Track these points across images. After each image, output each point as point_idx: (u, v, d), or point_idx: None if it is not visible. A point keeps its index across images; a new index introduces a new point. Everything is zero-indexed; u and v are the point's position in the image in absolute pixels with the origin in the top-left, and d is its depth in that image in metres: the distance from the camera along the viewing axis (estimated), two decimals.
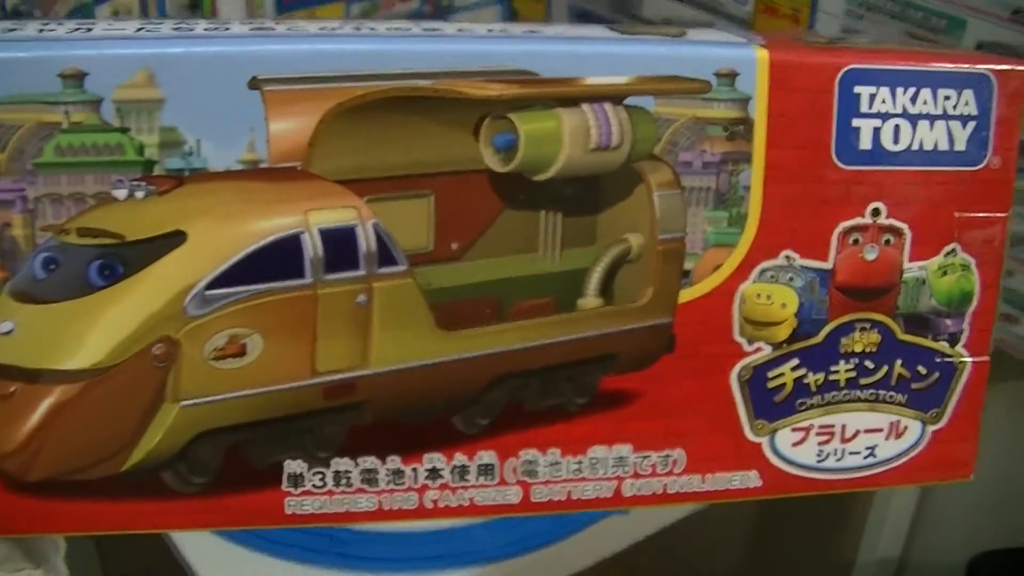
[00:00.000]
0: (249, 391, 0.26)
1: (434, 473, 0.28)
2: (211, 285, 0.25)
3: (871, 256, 0.29)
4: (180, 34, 0.25)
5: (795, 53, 0.28)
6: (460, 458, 0.28)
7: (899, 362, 0.30)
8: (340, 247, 0.26)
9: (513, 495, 0.28)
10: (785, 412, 0.29)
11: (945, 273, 0.29)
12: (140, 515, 0.27)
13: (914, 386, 0.30)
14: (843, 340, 0.29)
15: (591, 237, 0.28)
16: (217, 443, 0.26)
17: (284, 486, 0.27)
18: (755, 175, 0.28)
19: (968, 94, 0.28)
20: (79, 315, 0.25)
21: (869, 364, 0.29)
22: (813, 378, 0.29)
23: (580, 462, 0.28)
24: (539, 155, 0.26)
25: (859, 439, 0.30)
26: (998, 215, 0.29)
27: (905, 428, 0.30)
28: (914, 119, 0.28)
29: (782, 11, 0.76)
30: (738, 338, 0.28)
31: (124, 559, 0.82)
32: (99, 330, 0.25)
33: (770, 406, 0.29)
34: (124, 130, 0.25)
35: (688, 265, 0.28)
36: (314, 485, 0.27)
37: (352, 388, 0.27)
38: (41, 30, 0.25)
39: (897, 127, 0.28)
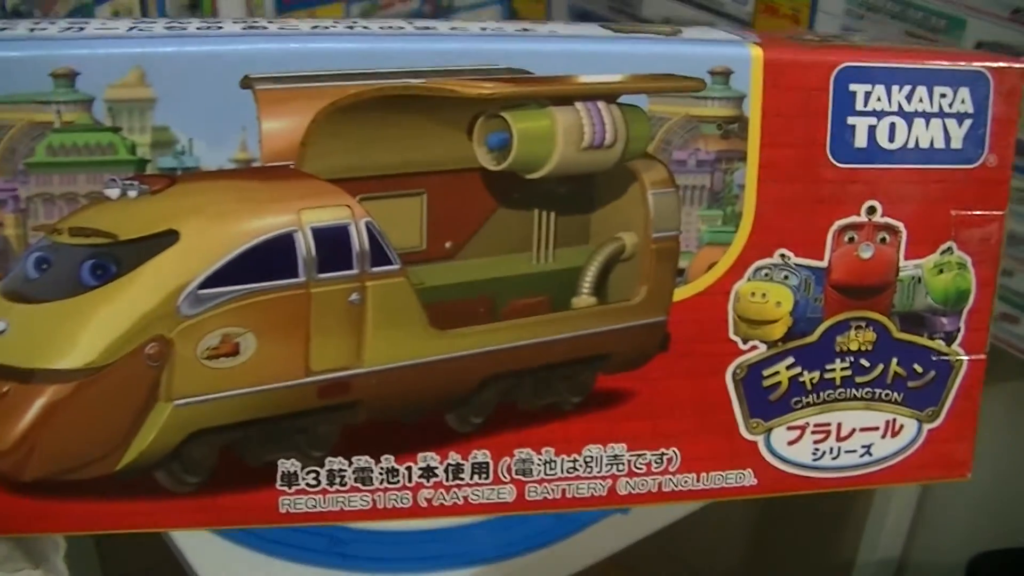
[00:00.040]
0: (242, 390, 0.26)
1: (428, 472, 0.28)
2: (204, 284, 0.25)
3: (867, 254, 0.28)
4: (172, 33, 0.25)
5: (789, 51, 0.28)
6: (454, 457, 0.28)
7: (895, 360, 0.29)
8: (333, 246, 0.26)
9: (507, 494, 0.28)
10: (780, 411, 0.29)
11: (941, 271, 0.29)
12: (134, 514, 0.27)
13: (910, 385, 0.30)
14: (838, 338, 0.29)
15: (585, 236, 0.28)
16: (211, 442, 0.26)
17: (278, 485, 0.27)
18: (749, 173, 0.27)
19: (964, 92, 0.28)
20: (72, 315, 0.25)
21: (865, 362, 0.29)
22: (808, 376, 0.29)
23: (575, 461, 0.28)
24: (532, 154, 0.26)
25: (855, 438, 0.30)
26: (995, 213, 0.29)
27: (901, 427, 0.30)
28: (910, 117, 0.28)
29: (782, 11, 0.76)
30: (733, 337, 0.28)
31: (124, 559, 0.82)
32: (92, 330, 0.25)
33: (765, 405, 0.29)
34: (116, 129, 0.25)
35: (682, 264, 0.28)
36: (308, 484, 0.27)
37: (346, 387, 0.27)
38: (32, 29, 0.25)
39: (893, 125, 0.28)
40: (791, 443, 0.29)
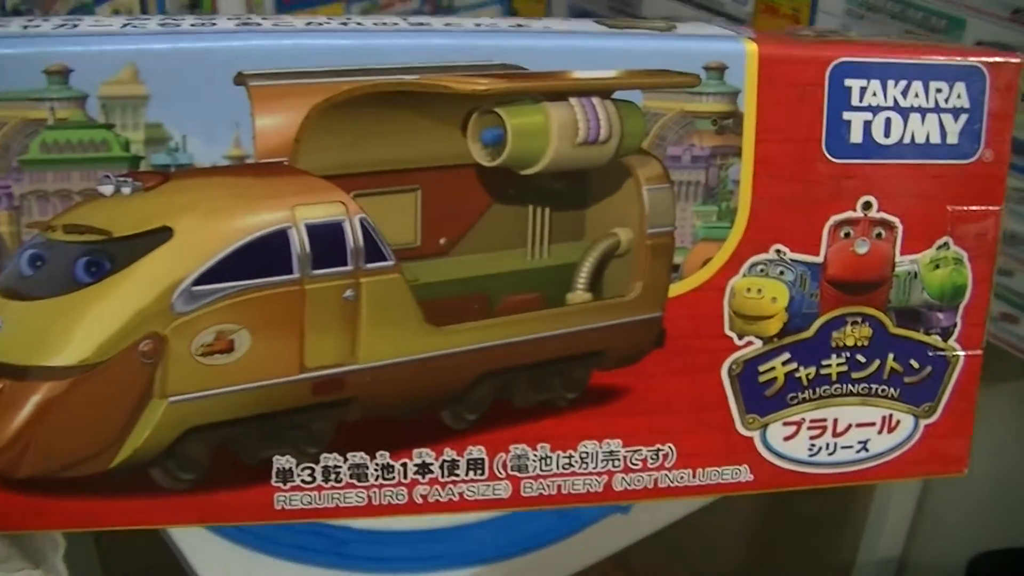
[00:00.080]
0: (237, 387, 0.26)
1: (423, 468, 0.28)
2: (198, 281, 0.25)
3: (862, 250, 0.28)
4: (166, 30, 0.25)
5: (784, 46, 0.28)
6: (449, 453, 0.28)
7: (891, 356, 0.29)
8: (327, 242, 0.26)
9: (503, 490, 0.28)
10: (776, 406, 0.29)
11: (937, 267, 0.29)
12: (129, 512, 0.27)
13: (907, 380, 0.30)
14: (834, 334, 0.29)
15: (579, 232, 0.28)
16: (205, 439, 0.26)
17: (273, 482, 0.27)
18: (745, 169, 0.27)
19: (960, 87, 0.28)
20: (66, 312, 0.25)
21: (861, 358, 0.29)
22: (804, 372, 0.29)
23: (570, 457, 0.28)
24: (527, 150, 0.26)
25: (851, 433, 0.30)
26: (991, 208, 0.29)
27: (898, 422, 0.30)
28: (905, 112, 0.28)
29: (782, 11, 0.76)
30: (728, 332, 0.28)
31: (124, 559, 0.82)
32: (86, 327, 0.25)
33: (761, 400, 0.29)
34: (110, 126, 0.25)
35: (677, 259, 0.28)
36: (303, 481, 0.27)
37: (340, 384, 0.26)
38: (26, 26, 0.25)
39: (888, 120, 0.28)
40: (787, 439, 0.29)
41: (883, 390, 0.30)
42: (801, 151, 0.28)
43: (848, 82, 0.28)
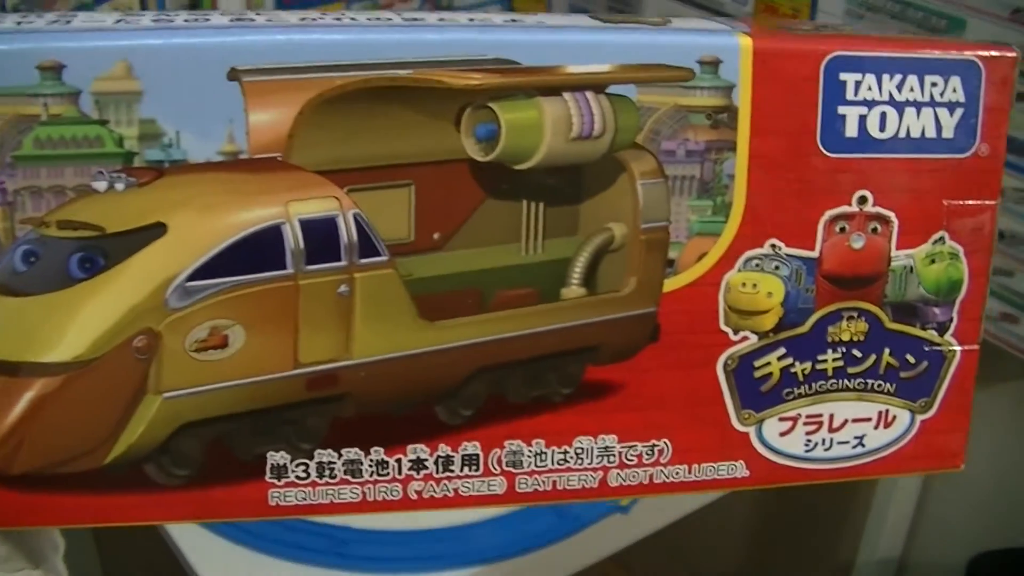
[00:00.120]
0: (231, 383, 0.26)
1: (418, 464, 0.28)
2: (192, 277, 0.25)
3: (858, 244, 0.28)
4: (159, 26, 0.25)
5: (779, 40, 0.28)
6: (444, 449, 0.28)
7: (887, 351, 0.29)
8: (321, 238, 0.26)
9: (498, 486, 0.28)
10: (772, 402, 0.29)
11: (933, 261, 0.29)
12: (123, 508, 0.26)
13: (903, 375, 0.30)
14: (830, 329, 0.29)
15: (573, 227, 0.28)
16: (200, 435, 0.26)
17: (267, 478, 0.27)
18: (739, 163, 0.27)
19: (955, 81, 0.28)
20: (60, 308, 0.25)
21: (857, 353, 0.29)
22: (800, 367, 0.29)
23: (565, 452, 0.28)
24: (520, 144, 0.26)
25: (847, 428, 0.30)
26: (987, 203, 0.29)
27: (894, 418, 0.30)
28: (901, 106, 0.28)
29: (782, 11, 0.76)
30: (724, 327, 0.28)
31: (124, 559, 0.82)
32: (80, 323, 0.25)
33: (757, 396, 0.29)
34: (103, 122, 0.25)
35: (672, 254, 0.28)
36: (297, 477, 0.27)
37: (334, 379, 0.26)
38: (20, 23, 0.25)
39: (883, 114, 0.28)
40: (783, 434, 0.29)
41: (879, 385, 0.30)
42: (796, 145, 0.28)
43: (843, 76, 0.27)
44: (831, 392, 0.29)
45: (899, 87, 0.28)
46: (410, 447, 0.27)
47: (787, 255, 0.28)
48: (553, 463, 0.28)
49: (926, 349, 0.30)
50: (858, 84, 0.28)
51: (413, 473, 0.28)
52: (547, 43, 0.26)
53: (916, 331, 0.29)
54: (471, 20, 0.27)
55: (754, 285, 0.28)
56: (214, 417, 0.26)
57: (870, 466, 0.30)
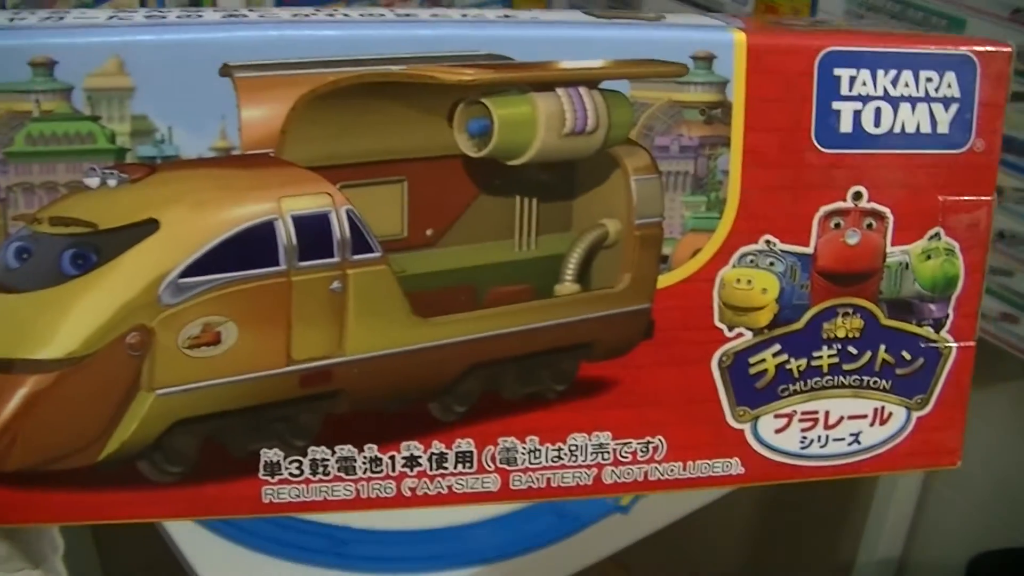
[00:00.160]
0: (224, 379, 0.26)
1: (412, 461, 0.27)
2: (185, 273, 0.25)
3: (853, 240, 0.28)
4: (151, 22, 0.25)
5: (773, 36, 0.28)
6: (438, 446, 0.27)
7: (883, 348, 0.29)
8: (313, 234, 0.26)
9: (492, 483, 0.28)
10: (767, 398, 0.29)
11: (929, 257, 0.29)
12: (117, 505, 0.26)
13: (898, 372, 0.29)
14: (825, 325, 0.29)
15: (567, 223, 0.28)
16: (193, 432, 0.26)
17: (261, 475, 0.27)
18: (733, 159, 0.27)
19: (950, 76, 0.28)
20: (52, 304, 0.25)
21: (852, 350, 0.29)
22: (795, 364, 0.29)
23: (559, 449, 0.28)
24: (514, 140, 0.26)
25: (843, 425, 0.30)
26: (983, 198, 0.29)
27: (890, 414, 0.30)
28: (895, 102, 0.28)
29: (782, 11, 0.76)
30: (718, 324, 0.28)
31: (124, 559, 0.82)
32: (73, 319, 0.25)
33: (752, 392, 0.29)
34: (95, 118, 0.25)
35: (666, 250, 0.28)
36: (291, 474, 0.27)
37: (328, 376, 0.26)
38: (12, 19, 0.25)
39: (878, 110, 0.28)
40: (778, 431, 0.29)
41: (875, 382, 0.29)
42: (790, 141, 0.27)
43: (837, 71, 0.27)
44: (826, 389, 0.29)
45: (894, 82, 0.28)
46: (404, 444, 0.27)
47: (782, 251, 0.28)
48: (547, 460, 0.28)
49: (922, 346, 0.29)
50: (853, 79, 0.28)
51: (407, 470, 0.27)
52: (540, 39, 0.26)
53: (912, 328, 0.29)
54: (464, 16, 0.27)
55: (748, 281, 0.28)
56: (207, 414, 0.26)
57: (866, 463, 0.30)
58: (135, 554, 0.75)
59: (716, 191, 0.27)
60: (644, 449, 0.29)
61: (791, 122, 0.27)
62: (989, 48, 0.28)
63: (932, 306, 0.29)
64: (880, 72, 0.28)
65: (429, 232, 0.27)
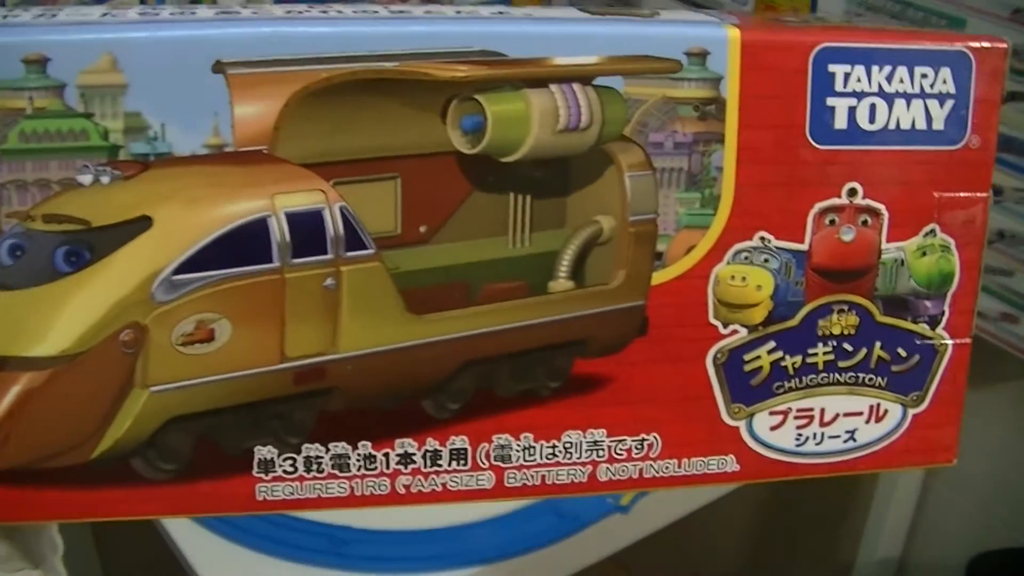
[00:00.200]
0: (218, 377, 0.26)
1: (406, 458, 0.27)
2: (178, 270, 0.25)
3: (848, 237, 0.28)
4: (144, 19, 0.25)
5: (767, 32, 0.28)
6: (432, 443, 0.27)
7: (878, 345, 0.29)
8: (307, 231, 0.26)
9: (486, 480, 0.28)
10: (762, 396, 0.29)
11: (924, 254, 0.29)
12: (110, 502, 0.26)
13: (894, 369, 0.29)
14: (820, 322, 0.29)
15: (561, 219, 0.28)
16: (187, 429, 0.26)
17: (255, 472, 0.27)
18: (728, 155, 0.27)
19: (946, 72, 0.28)
20: (46, 301, 0.25)
21: (848, 347, 0.29)
22: (790, 361, 0.29)
23: (554, 447, 0.28)
24: (507, 137, 0.26)
25: (838, 423, 0.29)
26: (978, 195, 0.29)
27: (886, 412, 0.30)
28: (890, 98, 0.28)
29: (781, 10, 0.76)
30: (713, 321, 0.28)
31: (124, 559, 0.82)
32: (66, 316, 0.25)
33: (747, 389, 0.29)
34: (88, 115, 0.25)
35: (660, 247, 0.28)
36: (285, 471, 0.27)
37: (322, 373, 0.26)
38: (5, 16, 0.25)
39: (873, 106, 0.28)
40: (774, 428, 0.29)
41: (870, 379, 0.29)
42: (785, 137, 0.27)
43: (832, 67, 0.27)
44: (822, 386, 0.29)
45: (889, 78, 0.28)
46: (398, 441, 0.27)
47: (776, 248, 0.28)
48: (542, 457, 0.28)
49: (917, 343, 0.29)
50: (847, 75, 0.27)
51: (401, 467, 0.27)
52: (534, 35, 0.26)
53: (907, 324, 0.29)
54: (458, 12, 0.27)
55: (743, 278, 0.28)
56: (201, 411, 0.26)
57: (862, 460, 0.30)
58: (135, 554, 0.75)
59: (710, 188, 0.27)
60: (639, 446, 0.28)
61: (785, 118, 0.27)
62: (985, 44, 0.28)
63: (928, 303, 0.29)
64: (875, 68, 0.28)
65: (423, 229, 0.27)
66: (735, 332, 0.28)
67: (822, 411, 0.29)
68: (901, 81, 0.28)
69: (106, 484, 0.26)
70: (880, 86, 0.28)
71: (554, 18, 0.27)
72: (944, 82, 0.28)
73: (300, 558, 0.61)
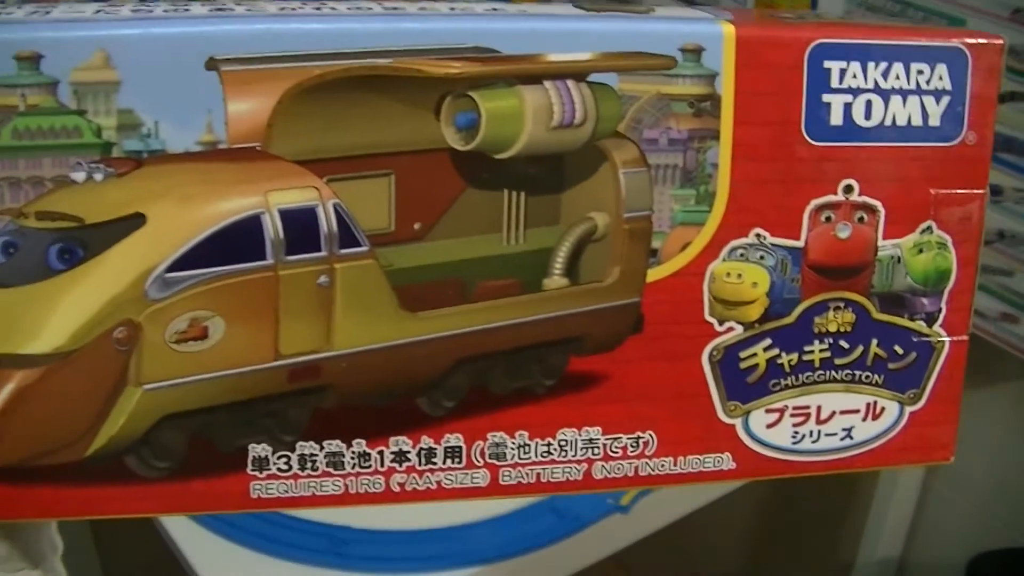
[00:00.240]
0: (212, 374, 0.26)
1: (400, 456, 0.27)
2: (172, 268, 0.25)
3: (844, 234, 0.28)
4: (137, 16, 0.25)
5: (762, 28, 0.28)
6: (427, 441, 0.27)
7: (875, 342, 0.29)
8: (301, 228, 0.26)
9: (481, 478, 0.28)
10: (758, 393, 0.29)
11: (921, 251, 0.29)
12: (104, 500, 0.26)
13: (891, 366, 0.29)
14: (817, 320, 0.29)
15: (555, 216, 0.28)
16: (181, 427, 0.26)
17: (249, 470, 0.27)
18: (723, 152, 0.27)
19: (942, 68, 0.28)
20: (39, 299, 0.25)
21: (844, 344, 0.29)
22: (787, 358, 0.29)
23: (549, 444, 0.28)
24: (501, 134, 0.26)
25: (835, 420, 0.29)
26: (975, 192, 0.29)
27: (882, 409, 0.30)
28: (886, 94, 0.28)
29: (781, 10, 0.76)
30: (708, 318, 0.28)
31: (124, 559, 0.82)
32: (60, 314, 0.25)
33: (743, 387, 0.29)
34: (81, 112, 0.25)
35: (655, 244, 0.27)
36: (279, 469, 0.27)
37: (316, 371, 0.26)
38: None
39: (869, 102, 0.28)
40: (770, 426, 0.29)
41: (867, 376, 0.29)
42: (780, 134, 0.27)
43: (828, 64, 0.27)
44: (818, 384, 0.29)
45: (884, 75, 0.28)
46: (392, 439, 0.27)
47: (772, 245, 0.28)
48: (537, 455, 0.28)
49: (914, 340, 0.29)
50: (843, 72, 0.27)
51: (395, 465, 0.27)
52: (528, 31, 0.26)
53: (904, 322, 0.29)
54: (452, 9, 0.27)
55: (739, 275, 0.28)
56: (195, 409, 0.26)
57: (859, 458, 0.30)
58: (135, 554, 0.75)
59: (705, 184, 0.27)
60: (634, 444, 0.28)
61: (781, 115, 0.27)
62: (981, 40, 0.28)
63: (924, 300, 0.29)
64: (871, 64, 0.28)
65: (417, 226, 0.27)
66: (731, 329, 0.28)
67: (818, 409, 0.29)
68: (897, 77, 0.28)
69: (100, 482, 0.26)
70: (876, 82, 0.28)
71: (548, 14, 0.27)
72: (940, 78, 0.28)
73: (300, 558, 0.61)
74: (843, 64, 0.27)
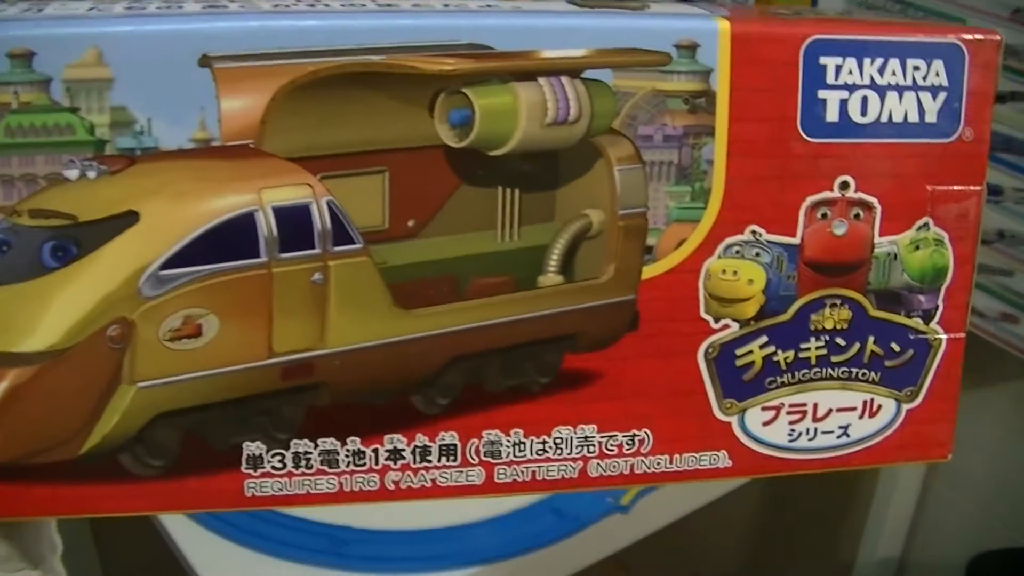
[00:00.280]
0: (206, 372, 0.26)
1: (395, 454, 0.27)
2: (165, 265, 0.25)
3: (840, 231, 0.28)
4: (131, 13, 0.25)
5: (758, 24, 0.27)
6: (421, 439, 0.27)
7: (872, 339, 0.29)
8: (294, 225, 0.26)
9: (476, 476, 0.28)
10: (754, 391, 0.29)
11: (917, 248, 0.29)
12: (98, 499, 0.26)
13: (888, 364, 0.29)
14: (813, 317, 0.28)
15: (550, 213, 0.28)
16: (175, 425, 0.26)
17: (243, 468, 0.27)
18: (718, 149, 0.27)
19: (938, 64, 0.28)
20: (33, 297, 0.25)
21: (840, 341, 0.29)
22: (783, 356, 0.29)
23: (544, 442, 0.28)
24: (495, 130, 0.26)
25: (832, 418, 0.29)
26: (972, 188, 0.29)
27: (879, 407, 0.29)
28: (882, 90, 0.28)
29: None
30: (704, 315, 0.28)
31: (124, 559, 0.82)
32: (53, 312, 0.25)
33: (739, 384, 0.28)
34: (74, 110, 0.25)
35: (650, 241, 0.27)
36: (274, 467, 0.27)
37: (310, 368, 0.26)
38: None
39: (865, 99, 0.28)
40: (766, 424, 0.29)
41: (864, 374, 0.29)
42: (776, 130, 0.27)
43: (823, 60, 0.27)
44: (815, 381, 0.29)
45: (881, 71, 0.28)
46: (387, 437, 0.27)
47: (768, 242, 0.28)
48: (532, 453, 0.28)
49: (911, 337, 0.29)
50: (839, 68, 0.27)
51: (390, 463, 0.27)
52: (522, 28, 0.26)
53: (901, 319, 0.29)
54: (446, 5, 0.27)
55: (734, 272, 0.28)
56: (189, 407, 0.26)
57: (855, 456, 0.30)
58: (135, 554, 0.75)
59: (701, 181, 0.27)
60: (630, 442, 0.28)
61: (776, 111, 0.27)
62: (978, 36, 0.28)
63: (921, 297, 0.29)
64: (867, 60, 0.27)
65: (411, 223, 0.27)
66: (727, 327, 0.28)
67: (815, 406, 0.29)
68: (893, 73, 0.28)
69: (94, 480, 0.26)
70: (872, 78, 0.27)
71: (542, 11, 0.27)
72: (937, 74, 0.28)
73: (300, 558, 0.61)
74: (839, 60, 0.27)
